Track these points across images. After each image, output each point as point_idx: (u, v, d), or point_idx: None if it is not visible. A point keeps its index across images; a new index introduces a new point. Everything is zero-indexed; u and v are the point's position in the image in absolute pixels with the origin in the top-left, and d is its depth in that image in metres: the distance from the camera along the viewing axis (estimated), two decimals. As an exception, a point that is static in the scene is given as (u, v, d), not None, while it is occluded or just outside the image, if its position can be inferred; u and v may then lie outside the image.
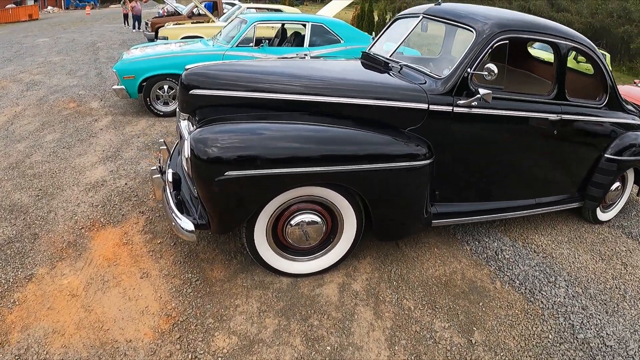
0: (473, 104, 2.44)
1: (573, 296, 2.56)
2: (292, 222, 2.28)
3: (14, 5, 25.44)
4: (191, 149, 2.02)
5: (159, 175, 2.44)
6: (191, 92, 2.34)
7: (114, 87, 5.11)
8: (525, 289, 2.57)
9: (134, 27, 16.15)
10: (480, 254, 2.87)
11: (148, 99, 5.13)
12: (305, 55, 4.80)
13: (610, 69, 3.17)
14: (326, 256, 2.45)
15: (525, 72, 3.63)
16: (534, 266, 2.80)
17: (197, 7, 10.54)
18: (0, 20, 22.03)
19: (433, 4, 2.91)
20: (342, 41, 5.60)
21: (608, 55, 8.96)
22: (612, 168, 3.14)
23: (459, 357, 2.05)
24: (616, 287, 2.71)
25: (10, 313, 2.09)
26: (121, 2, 18.53)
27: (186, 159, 2.13)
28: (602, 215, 3.45)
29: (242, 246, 2.64)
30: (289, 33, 6.22)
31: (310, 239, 2.33)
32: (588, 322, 2.37)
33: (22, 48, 11.02)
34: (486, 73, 2.29)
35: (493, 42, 2.48)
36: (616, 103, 3.17)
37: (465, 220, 2.76)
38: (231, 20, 6.54)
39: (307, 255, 2.43)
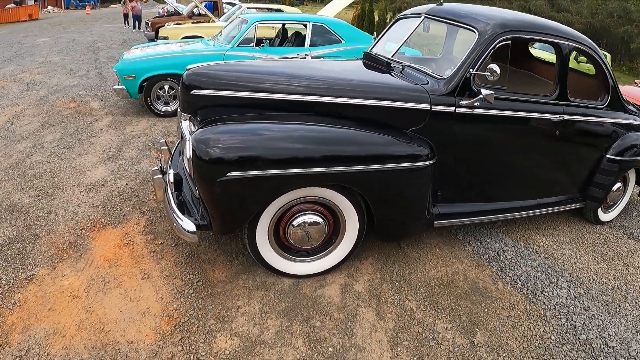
0: (475, 104, 2.43)
1: (575, 297, 2.55)
2: (294, 223, 2.27)
3: (14, 5, 25.43)
4: (193, 150, 2.01)
5: (160, 176, 2.43)
6: (192, 92, 2.34)
7: (114, 87, 5.11)
8: (527, 289, 2.57)
9: (134, 27, 16.15)
10: (482, 254, 2.86)
11: (149, 99, 5.13)
12: (306, 55, 4.80)
13: (611, 69, 3.16)
14: (328, 257, 2.45)
15: (528, 73, 3.62)
16: (536, 267, 2.79)
17: (197, 7, 10.53)
18: (0, 20, 22.01)
19: (435, 4, 2.91)
20: (343, 41, 5.59)
21: (608, 55, 8.97)
22: (613, 169, 3.13)
23: (461, 359, 2.05)
24: (618, 288, 2.70)
25: (10, 314, 2.08)
26: (121, 2, 18.52)
27: (188, 159, 2.12)
28: (603, 216, 3.44)
29: (244, 247, 2.63)
30: (289, 33, 6.21)
31: (312, 239, 2.33)
32: (590, 323, 2.36)
33: (22, 48, 11.01)
34: (489, 74, 2.28)
35: (495, 42, 2.47)
36: (618, 103, 3.17)
37: (467, 221, 2.75)
38: (232, 20, 6.53)
39: (309, 256, 2.42)
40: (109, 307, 2.15)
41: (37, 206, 3.06)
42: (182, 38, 8.06)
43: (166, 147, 2.84)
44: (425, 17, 2.87)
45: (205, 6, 10.76)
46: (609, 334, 2.30)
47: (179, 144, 2.93)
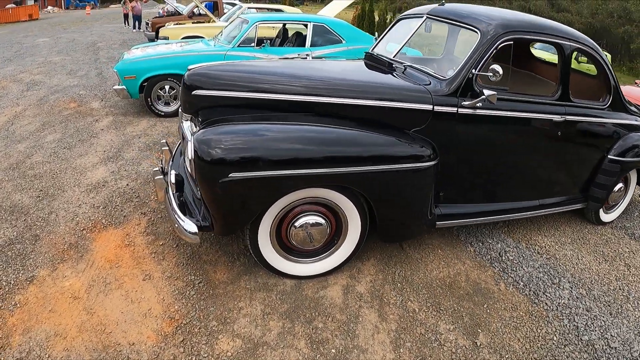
0: (478, 105, 2.43)
1: (577, 298, 2.55)
2: (296, 224, 2.26)
3: (14, 5, 25.41)
4: (195, 151, 2.00)
5: (162, 177, 2.42)
6: (194, 92, 2.33)
7: (114, 87, 5.10)
8: (530, 290, 2.56)
9: (134, 27, 16.14)
10: (484, 255, 2.86)
11: (149, 99, 5.12)
12: (307, 55, 4.79)
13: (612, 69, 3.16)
14: (330, 258, 2.44)
15: (529, 73, 3.62)
16: (538, 267, 2.79)
17: (197, 7, 10.52)
18: (0, 20, 22.00)
19: (437, 5, 2.90)
20: (344, 41, 5.58)
21: (609, 56, 8.98)
22: (615, 169, 3.13)
23: (464, 360, 2.05)
24: (620, 289, 2.70)
25: (11, 316, 2.07)
26: (121, 2, 18.52)
27: (190, 160, 2.12)
28: (605, 217, 3.44)
29: (245, 248, 2.62)
30: (290, 33, 6.20)
31: (314, 240, 2.32)
32: (592, 323, 2.36)
33: (22, 48, 11.00)
34: (491, 74, 2.28)
35: (498, 43, 2.47)
36: (619, 104, 3.16)
37: (469, 221, 2.74)
38: (232, 21, 6.52)
39: (311, 257, 2.42)
40: (110, 309, 2.14)
41: (38, 207, 3.05)
42: (183, 38, 8.05)
43: (167, 148, 2.83)
44: (427, 17, 2.86)
45: (206, 6, 10.75)
46: (611, 335, 2.29)
47: (180, 144, 2.92)
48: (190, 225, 2.12)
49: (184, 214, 2.18)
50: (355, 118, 2.30)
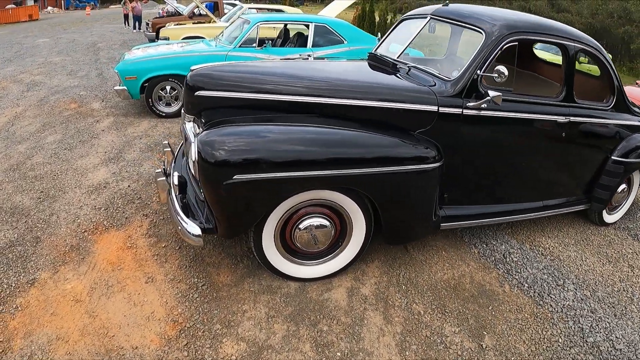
0: (483, 106, 2.41)
1: (582, 299, 2.54)
2: (301, 226, 2.25)
3: (14, 6, 25.38)
4: (199, 152, 1.99)
5: (164, 178, 2.41)
6: (197, 93, 2.31)
7: (115, 87, 5.08)
8: (534, 292, 2.55)
9: (134, 28, 16.12)
10: (488, 257, 2.84)
11: (150, 100, 5.10)
12: (309, 56, 4.78)
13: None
14: (334, 260, 2.42)
15: (533, 74, 3.61)
16: (542, 269, 2.78)
17: (198, 7, 10.50)
18: (0, 21, 21.96)
19: (441, 5, 2.89)
20: (345, 42, 5.57)
21: (609, 56, 8.95)
22: (618, 170, 3.12)
23: (470, 363, 2.03)
24: (624, 290, 2.69)
25: (12, 319, 2.06)
26: (121, 3, 18.49)
27: (193, 162, 2.10)
28: (608, 218, 3.43)
29: (249, 250, 2.61)
30: (291, 34, 6.19)
31: (319, 243, 2.30)
32: (597, 325, 2.35)
33: (23, 48, 10.98)
34: (496, 75, 2.26)
35: (502, 43, 2.45)
36: (623, 105, 3.15)
37: (473, 223, 2.73)
38: (233, 21, 6.51)
39: (316, 259, 2.40)
40: (112, 312, 2.13)
41: (39, 208, 3.03)
42: (183, 38, 8.03)
43: (169, 149, 2.81)
44: (431, 17, 2.85)
45: (206, 6, 10.74)
46: (616, 337, 2.28)
47: (182, 145, 2.90)
48: (193, 228, 2.10)
49: (187, 216, 2.16)
50: (360, 119, 2.29)
